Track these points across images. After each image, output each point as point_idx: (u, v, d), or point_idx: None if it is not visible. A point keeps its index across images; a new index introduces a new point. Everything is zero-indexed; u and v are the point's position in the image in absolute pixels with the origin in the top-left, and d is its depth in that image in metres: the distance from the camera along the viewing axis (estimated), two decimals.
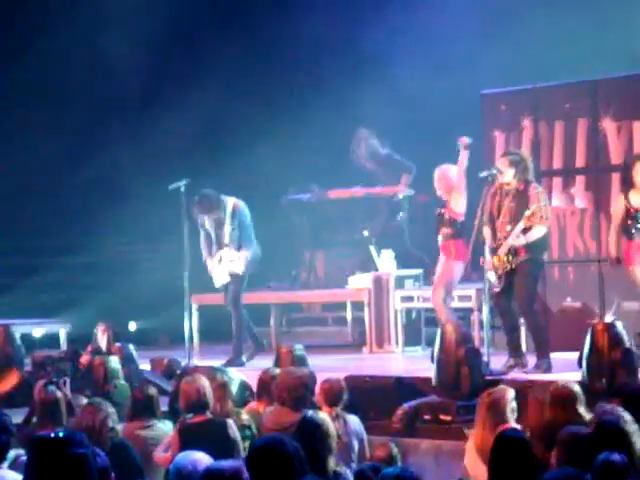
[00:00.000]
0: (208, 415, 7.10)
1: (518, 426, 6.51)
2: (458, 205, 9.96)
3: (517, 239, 9.00)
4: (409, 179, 12.66)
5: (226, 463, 4.63)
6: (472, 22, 12.30)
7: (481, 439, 6.55)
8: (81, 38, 13.26)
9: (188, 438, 6.72)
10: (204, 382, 7.22)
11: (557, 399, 6.36)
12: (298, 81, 13.05)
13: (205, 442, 5.74)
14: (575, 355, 8.35)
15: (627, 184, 9.26)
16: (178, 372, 9.51)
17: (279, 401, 7.32)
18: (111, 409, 6.72)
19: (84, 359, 9.84)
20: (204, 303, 12.02)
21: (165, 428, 7.35)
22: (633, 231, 9.16)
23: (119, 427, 6.81)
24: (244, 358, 10.53)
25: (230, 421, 7.02)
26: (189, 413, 7.17)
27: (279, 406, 7.30)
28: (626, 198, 9.20)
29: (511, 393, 6.84)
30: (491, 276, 9.07)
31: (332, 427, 5.74)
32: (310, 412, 5.88)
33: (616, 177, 10.74)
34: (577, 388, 6.44)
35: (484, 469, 6.28)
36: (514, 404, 6.73)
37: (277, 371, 7.91)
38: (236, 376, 8.47)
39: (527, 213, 8.96)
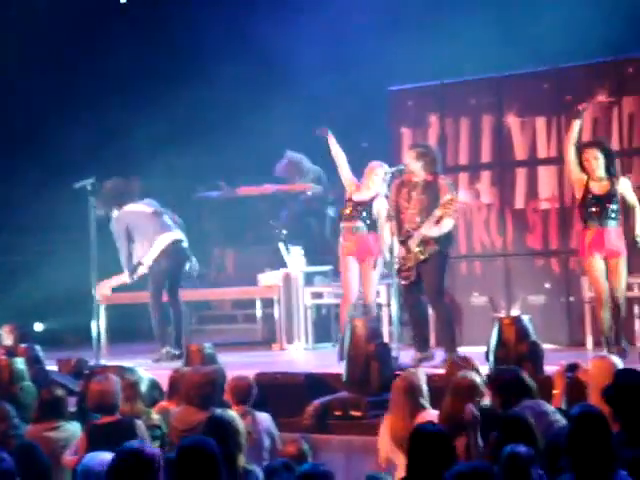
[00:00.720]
0: (117, 415, 7.03)
1: (435, 412, 6.55)
2: None
3: (429, 229, 9.06)
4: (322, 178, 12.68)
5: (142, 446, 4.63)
6: (379, 17, 12.36)
7: (399, 425, 6.61)
8: None
9: (96, 439, 6.65)
10: (113, 382, 7.15)
11: (457, 390, 6.42)
12: (207, 79, 12.96)
13: (112, 443, 5.68)
14: (482, 349, 8.45)
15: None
16: (86, 372, 9.39)
17: (186, 400, 7.29)
18: (12, 411, 6.61)
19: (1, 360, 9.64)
20: (112, 303, 11.92)
21: (73, 429, 7.26)
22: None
23: (24, 429, 6.70)
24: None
25: (138, 421, 6.96)
26: (97, 413, 7.09)
27: (187, 405, 7.27)
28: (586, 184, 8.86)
29: (422, 373, 6.93)
30: (398, 266, 9.10)
31: (241, 425, 5.73)
32: (218, 410, 5.86)
33: (520, 172, 10.92)
34: (478, 379, 6.50)
35: (399, 454, 6.37)
36: (426, 386, 6.82)
37: (186, 370, 7.86)
38: (145, 375, 8.40)
39: (445, 199, 9.00)
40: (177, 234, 10.56)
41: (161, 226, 10.52)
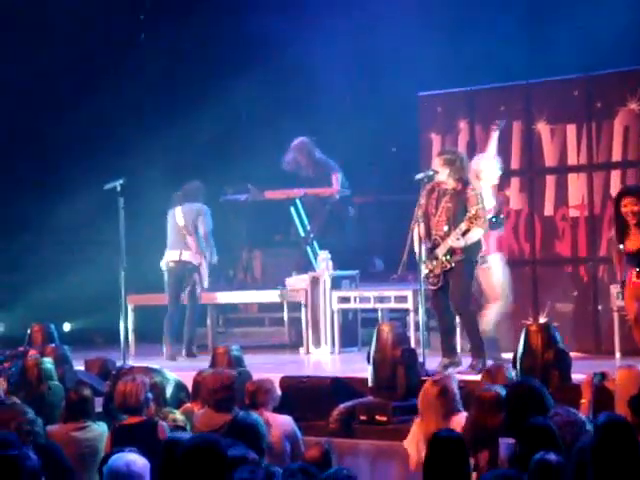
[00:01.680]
0: (142, 416, 7.06)
1: (464, 414, 6.54)
2: None
3: (457, 241, 9.06)
4: (339, 177, 12.63)
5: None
6: (410, 22, 12.35)
7: (433, 429, 6.58)
8: None
9: (120, 439, 6.68)
10: (140, 382, 7.19)
11: (482, 402, 6.39)
12: (236, 85, 12.96)
13: (136, 444, 5.71)
14: (509, 356, 8.43)
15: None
16: (113, 372, 9.44)
17: (206, 402, 7.32)
18: (28, 409, 6.67)
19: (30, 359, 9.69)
20: (140, 303, 11.97)
21: (100, 429, 7.29)
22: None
23: (52, 428, 6.72)
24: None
25: (163, 423, 6.99)
26: (124, 414, 7.13)
27: (208, 407, 7.29)
28: None
29: (454, 377, 6.92)
30: (426, 272, 9.10)
31: (263, 428, 5.73)
32: (241, 413, 5.86)
33: (550, 179, 10.88)
34: (503, 392, 6.48)
35: None
36: (457, 390, 6.81)
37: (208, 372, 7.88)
38: (172, 377, 8.44)
39: (470, 214, 9.00)
40: (174, 255, 11.42)
41: (171, 242, 11.48)
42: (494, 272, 9.82)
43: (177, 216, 11.48)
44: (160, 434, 6.79)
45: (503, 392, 6.38)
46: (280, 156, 12.76)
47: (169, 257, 11.46)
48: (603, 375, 6.70)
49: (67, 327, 13.51)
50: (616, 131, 10.54)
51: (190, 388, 8.15)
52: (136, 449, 5.45)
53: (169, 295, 11.47)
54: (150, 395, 7.23)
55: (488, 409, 6.21)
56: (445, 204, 9.20)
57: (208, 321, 12.28)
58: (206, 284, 11.55)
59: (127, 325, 10.96)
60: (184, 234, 11.41)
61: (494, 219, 9.75)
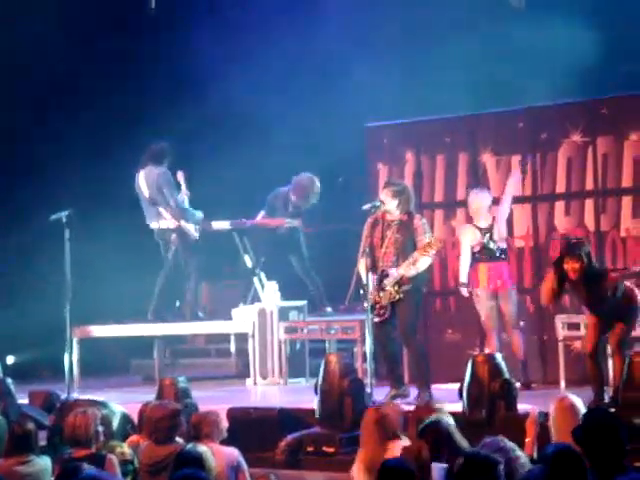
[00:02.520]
0: (91, 449, 6.99)
1: (408, 441, 6.54)
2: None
3: (408, 269, 9.10)
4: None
5: None
6: (356, 53, 12.42)
7: (369, 456, 6.59)
8: None
9: (67, 473, 6.58)
10: (92, 415, 7.12)
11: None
12: (176, 117, 12.88)
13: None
14: (456, 386, 8.46)
15: None
16: (57, 405, 9.33)
17: (148, 435, 7.28)
18: None
19: None
20: (85, 336, 11.87)
21: (43, 463, 7.19)
22: None
23: None
24: None
25: (111, 456, 6.92)
26: (73, 447, 7.04)
27: (150, 440, 7.25)
28: None
29: (395, 406, 6.91)
30: (373, 303, 9.12)
31: (210, 460, 5.69)
32: (188, 445, 5.82)
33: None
34: (451, 420, 6.50)
35: None
36: (399, 417, 6.80)
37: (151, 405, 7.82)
38: (117, 409, 8.36)
39: (423, 243, 9.07)
40: (153, 225, 11.98)
41: (146, 215, 12.05)
42: (513, 299, 10.01)
43: (142, 186, 11.92)
44: (109, 467, 6.72)
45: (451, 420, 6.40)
46: (227, 187, 12.70)
47: (151, 226, 12.03)
48: (546, 414, 6.75)
49: (10, 360, 13.34)
50: (560, 163, 10.67)
51: (136, 420, 8.08)
52: None
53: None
54: (100, 428, 7.16)
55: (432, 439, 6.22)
56: (392, 235, 9.24)
57: (155, 353, 12.21)
58: (195, 234, 12.07)
59: (72, 358, 10.85)
60: (153, 205, 11.93)
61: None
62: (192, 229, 12.10)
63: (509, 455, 5.85)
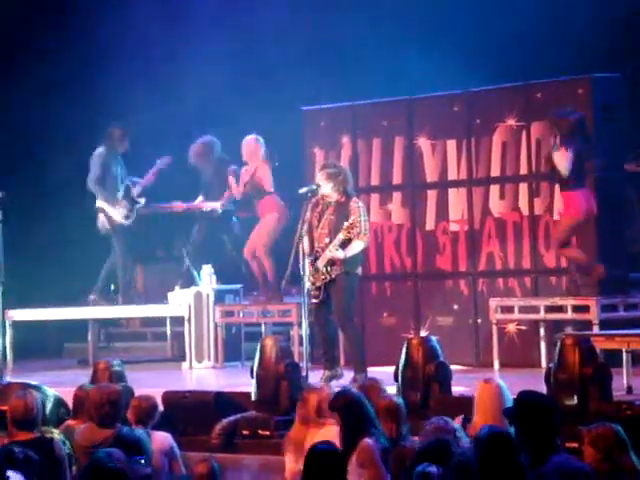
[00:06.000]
0: (35, 433, 6.89)
1: (334, 426, 6.61)
2: None
3: (336, 252, 9.11)
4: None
5: None
6: (295, 38, 12.40)
7: (297, 432, 6.69)
8: None
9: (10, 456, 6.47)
10: (34, 398, 7.01)
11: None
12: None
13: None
14: (391, 369, 8.51)
15: None
16: None
17: (89, 418, 7.22)
18: None
19: None
20: (19, 319, 11.75)
21: None
22: None
23: None
24: None
25: (57, 438, 6.85)
26: (19, 429, 6.92)
27: (91, 423, 7.20)
28: None
29: (329, 390, 6.99)
30: (309, 286, 9.15)
31: (148, 444, 5.68)
32: (125, 428, 5.81)
33: (431, 194, 11.03)
34: (400, 400, 6.59)
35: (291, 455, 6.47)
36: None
37: (90, 388, 7.77)
38: (51, 392, 8.29)
39: (346, 224, 9.09)
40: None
41: None
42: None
43: None
44: (57, 451, 6.64)
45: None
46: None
47: None
48: (469, 419, 6.85)
49: None
50: (495, 147, 10.74)
51: (71, 404, 8.01)
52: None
53: None
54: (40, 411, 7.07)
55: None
56: (328, 216, 9.27)
57: (89, 336, 12.12)
58: (118, 217, 12.12)
59: (5, 341, 10.74)
60: None
61: None
62: (116, 214, 12.07)
63: (454, 435, 5.96)
